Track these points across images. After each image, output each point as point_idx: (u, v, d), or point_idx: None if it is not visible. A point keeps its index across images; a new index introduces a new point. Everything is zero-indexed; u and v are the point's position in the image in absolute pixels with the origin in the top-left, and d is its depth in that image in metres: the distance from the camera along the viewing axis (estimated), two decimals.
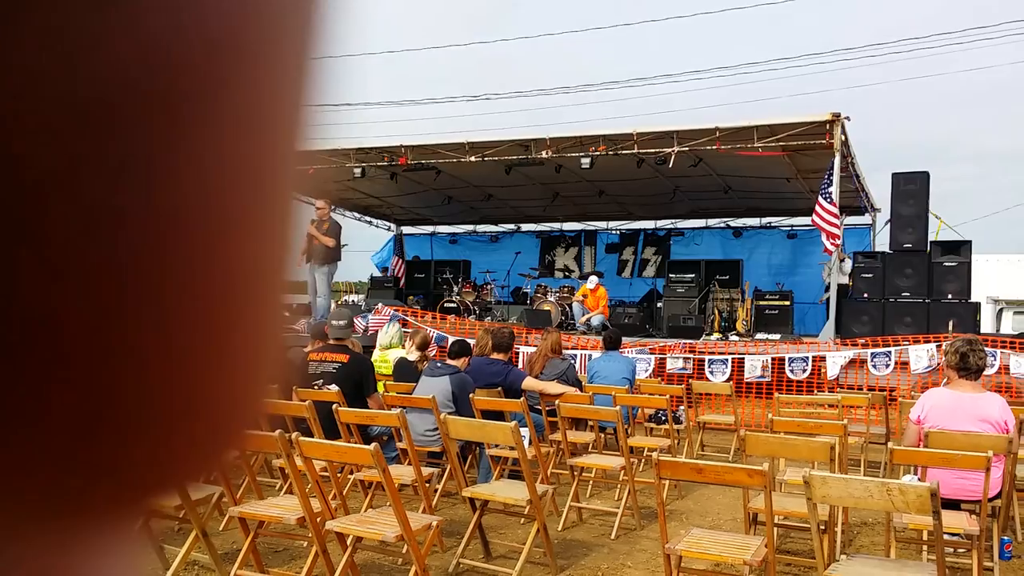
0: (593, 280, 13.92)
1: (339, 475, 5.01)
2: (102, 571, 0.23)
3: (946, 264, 11.42)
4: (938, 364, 9.21)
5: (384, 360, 7.73)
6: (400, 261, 17.98)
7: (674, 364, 10.65)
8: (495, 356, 6.81)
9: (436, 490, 5.45)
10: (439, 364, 6.32)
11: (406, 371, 7.13)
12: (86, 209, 0.18)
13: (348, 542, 3.78)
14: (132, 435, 0.20)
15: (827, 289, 12.24)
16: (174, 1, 0.18)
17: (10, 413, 0.18)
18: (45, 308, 0.18)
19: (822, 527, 3.79)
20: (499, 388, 6.56)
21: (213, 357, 0.21)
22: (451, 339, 11.16)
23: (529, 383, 6.75)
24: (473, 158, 13.22)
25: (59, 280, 0.18)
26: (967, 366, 4.73)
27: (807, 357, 10.28)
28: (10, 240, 0.17)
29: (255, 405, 0.23)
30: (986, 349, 5.06)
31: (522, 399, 5.92)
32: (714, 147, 11.76)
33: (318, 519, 3.80)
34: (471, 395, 5.99)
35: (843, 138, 11.09)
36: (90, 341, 0.18)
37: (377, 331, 9.47)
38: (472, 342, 6.92)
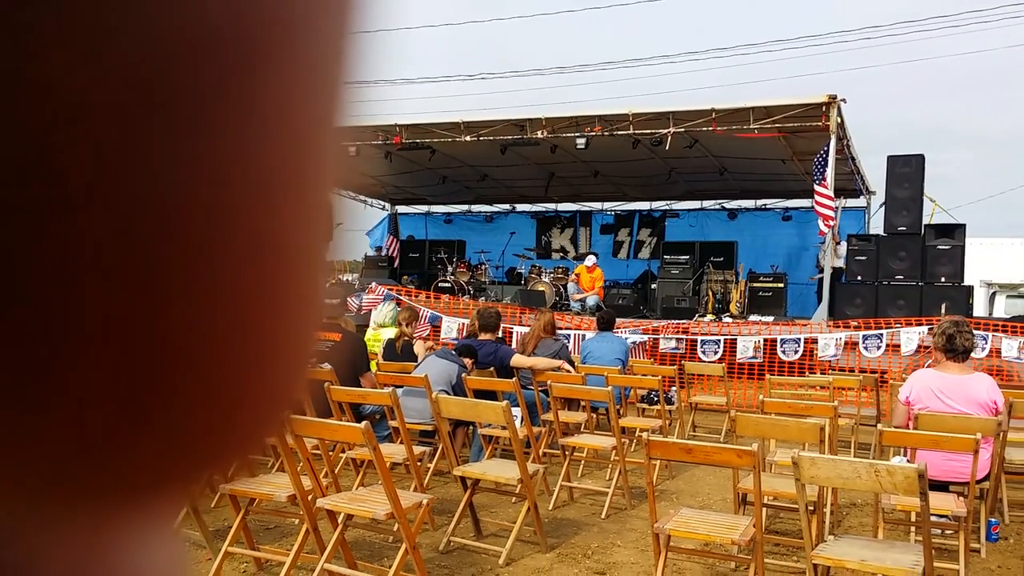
0: (591, 259, 13.93)
1: (331, 453, 5.03)
2: (142, 552, 0.23)
3: (940, 247, 11.44)
4: (927, 346, 9.25)
5: (377, 339, 7.74)
6: (394, 240, 17.94)
7: (667, 345, 10.68)
8: (484, 337, 6.82)
9: (428, 469, 5.47)
10: (452, 352, 6.39)
11: (391, 350, 7.18)
12: (135, 193, 0.18)
13: (339, 520, 3.80)
14: (174, 418, 0.20)
15: (820, 270, 12.27)
16: None
17: (51, 397, 0.18)
18: (87, 293, 0.18)
19: (810, 508, 3.81)
20: (492, 368, 6.57)
21: (255, 342, 0.21)
22: (445, 320, 11.17)
23: (518, 360, 6.77)
24: (468, 138, 13.17)
25: (104, 264, 0.18)
26: (954, 347, 4.75)
27: (799, 339, 10.32)
28: (57, 225, 0.17)
29: (293, 390, 0.23)
30: (973, 331, 5.07)
31: (515, 379, 5.93)
32: (710, 128, 11.73)
33: (309, 497, 3.81)
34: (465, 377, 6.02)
35: (839, 120, 11.07)
36: (133, 325, 0.18)
37: (371, 310, 9.47)
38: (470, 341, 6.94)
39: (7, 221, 0.17)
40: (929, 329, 9.57)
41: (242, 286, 0.20)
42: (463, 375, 6.05)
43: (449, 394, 5.68)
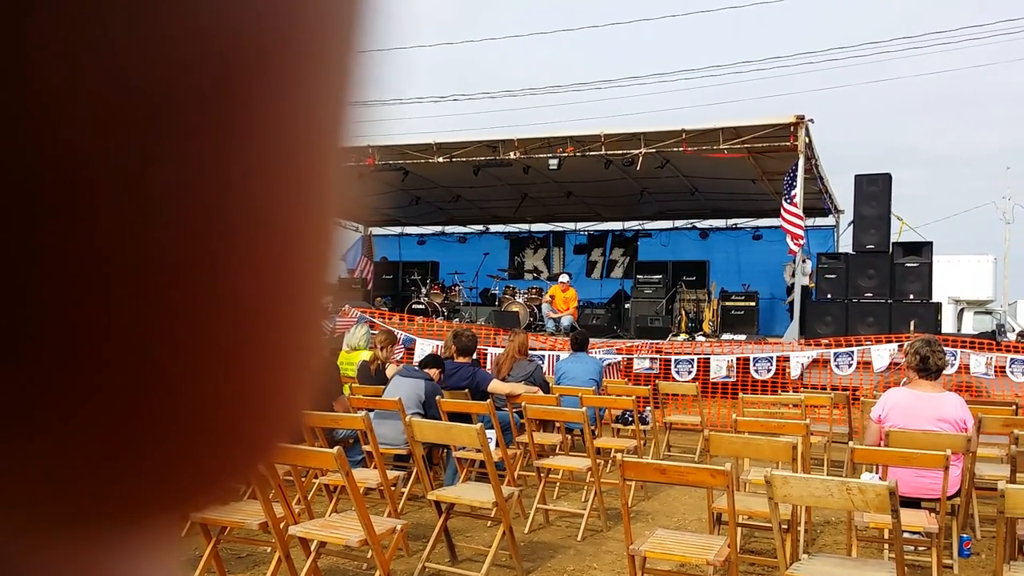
0: (564, 279, 13.96)
1: (303, 479, 4.97)
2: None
3: (908, 265, 11.60)
4: (899, 363, 9.36)
5: (350, 362, 7.68)
6: (368, 262, 17.88)
7: (641, 365, 10.71)
8: (460, 360, 6.79)
9: (402, 493, 5.43)
10: (415, 368, 6.29)
11: (365, 373, 7.13)
12: (133, 206, 0.17)
13: (312, 547, 3.75)
14: (170, 441, 0.19)
15: (790, 291, 12.39)
16: None
17: (44, 415, 0.18)
18: (79, 306, 0.17)
19: (784, 526, 3.82)
20: (467, 390, 6.54)
21: (255, 363, 0.21)
22: (418, 342, 11.12)
23: (495, 386, 6.74)
24: (441, 159, 13.20)
25: (99, 278, 0.17)
26: (927, 367, 4.80)
27: (771, 357, 10.39)
28: (53, 236, 0.17)
29: (295, 414, 0.23)
30: (945, 349, 5.14)
31: (489, 400, 5.91)
32: (680, 149, 11.85)
33: (281, 524, 3.76)
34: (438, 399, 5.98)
35: (807, 140, 11.24)
36: (127, 343, 0.18)
37: (344, 333, 9.40)
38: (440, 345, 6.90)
39: (3, 228, 0.17)
40: (900, 346, 9.69)
41: (243, 306, 0.20)
42: (432, 390, 5.97)
43: (421, 414, 5.64)
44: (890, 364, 9.66)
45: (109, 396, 0.18)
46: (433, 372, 6.32)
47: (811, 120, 11.25)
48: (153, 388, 0.19)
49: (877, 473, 4.50)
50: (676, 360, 10.62)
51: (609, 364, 10.28)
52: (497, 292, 15.39)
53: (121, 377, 0.18)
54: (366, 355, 7.51)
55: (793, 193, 10.98)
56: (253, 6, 0.18)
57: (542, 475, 5.60)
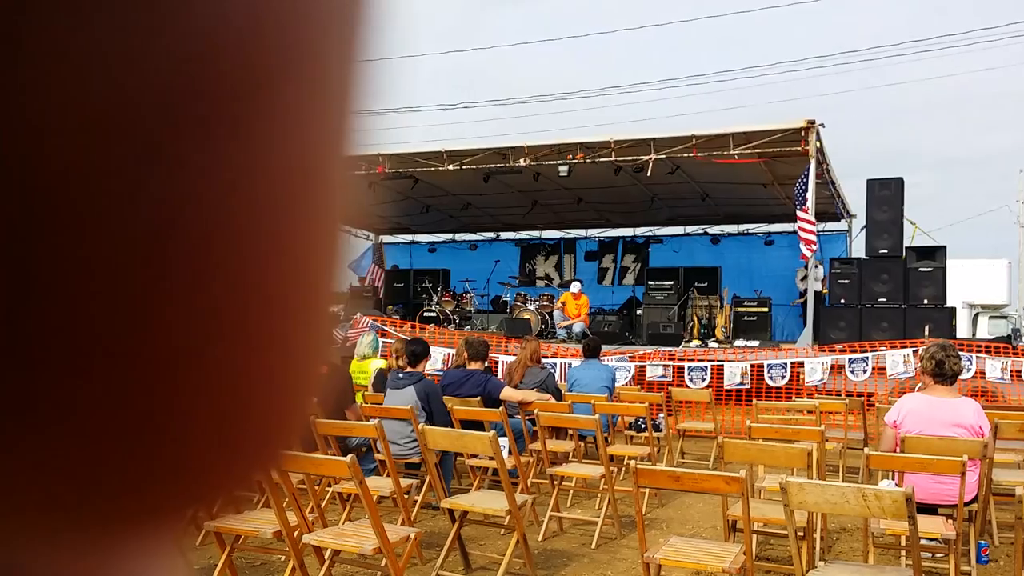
0: (576, 286, 13.95)
1: (317, 487, 4.97)
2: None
3: (921, 269, 11.53)
4: (914, 369, 9.30)
5: (361, 371, 7.69)
6: (379, 270, 17.91)
7: (654, 372, 10.67)
8: (473, 366, 6.79)
9: (415, 501, 5.42)
10: (401, 374, 6.16)
11: (380, 382, 7.11)
12: (134, 212, 0.17)
13: (326, 556, 3.75)
14: (175, 444, 0.19)
15: (802, 294, 12.34)
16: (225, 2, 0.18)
17: (45, 417, 0.18)
18: (82, 310, 0.17)
19: (800, 533, 3.79)
20: (479, 398, 6.54)
21: (258, 368, 0.21)
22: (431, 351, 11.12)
23: (508, 393, 6.73)
24: (451, 167, 13.22)
25: (101, 282, 0.17)
26: (943, 372, 4.77)
27: (786, 363, 10.34)
28: (48, 241, 0.17)
29: (297, 419, 0.23)
30: (960, 354, 5.10)
31: (501, 408, 5.90)
32: (691, 155, 11.83)
33: (295, 533, 3.76)
34: (447, 404, 5.96)
35: (818, 145, 11.20)
36: (129, 346, 0.18)
37: (356, 342, 9.42)
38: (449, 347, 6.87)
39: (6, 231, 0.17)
40: (915, 352, 9.62)
41: (247, 312, 0.20)
42: (425, 391, 5.93)
43: (424, 417, 5.61)
44: (917, 374, 9.58)
45: (113, 400, 0.18)
46: (421, 366, 6.16)
47: (822, 124, 11.21)
48: (158, 392, 0.19)
49: (894, 479, 4.47)
50: (689, 367, 10.58)
51: (619, 370, 10.25)
52: (508, 299, 15.37)
53: (125, 381, 0.18)
54: (381, 363, 7.52)
55: (805, 198, 10.95)
56: (255, 13, 0.18)
57: (555, 483, 5.59)
